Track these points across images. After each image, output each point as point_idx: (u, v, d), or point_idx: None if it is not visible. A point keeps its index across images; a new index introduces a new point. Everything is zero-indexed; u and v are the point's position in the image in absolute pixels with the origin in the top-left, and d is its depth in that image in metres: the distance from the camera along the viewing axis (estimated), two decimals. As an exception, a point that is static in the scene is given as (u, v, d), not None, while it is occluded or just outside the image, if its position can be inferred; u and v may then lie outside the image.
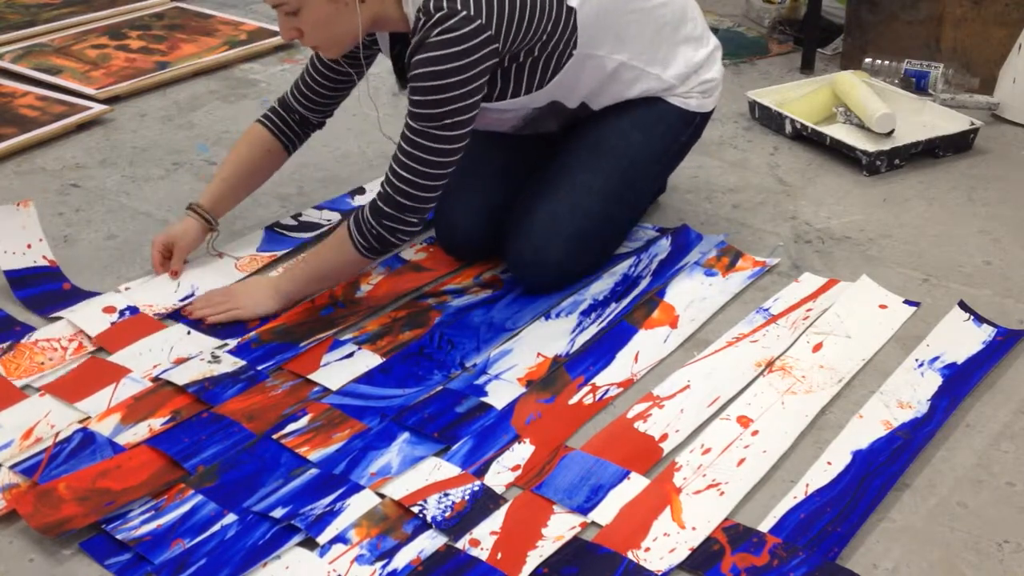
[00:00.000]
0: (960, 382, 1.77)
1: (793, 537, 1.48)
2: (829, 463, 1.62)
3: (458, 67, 1.75)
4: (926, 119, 2.65)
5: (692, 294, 2.02)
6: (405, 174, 1.81)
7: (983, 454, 1.65)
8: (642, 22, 1.98)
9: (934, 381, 1.78)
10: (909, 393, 1.76)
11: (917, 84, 2.83)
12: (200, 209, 2.08)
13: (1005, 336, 1.89)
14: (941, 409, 1.72)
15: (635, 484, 1.59)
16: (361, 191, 2.38)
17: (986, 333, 1.90)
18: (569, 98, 1.99)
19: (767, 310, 1.97)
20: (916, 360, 1.83)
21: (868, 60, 2.90)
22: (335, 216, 2.27)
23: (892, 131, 2.56)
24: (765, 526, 1.51)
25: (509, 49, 1.82)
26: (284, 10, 1.77)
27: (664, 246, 2.14)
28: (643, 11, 1.98)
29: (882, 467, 1.60)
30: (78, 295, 2.01)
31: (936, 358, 1.84)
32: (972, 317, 1.93)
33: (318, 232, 2.21)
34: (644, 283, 2.05)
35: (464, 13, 1.73)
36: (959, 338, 1.88)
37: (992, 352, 1.84)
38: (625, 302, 1.99)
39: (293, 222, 2.26)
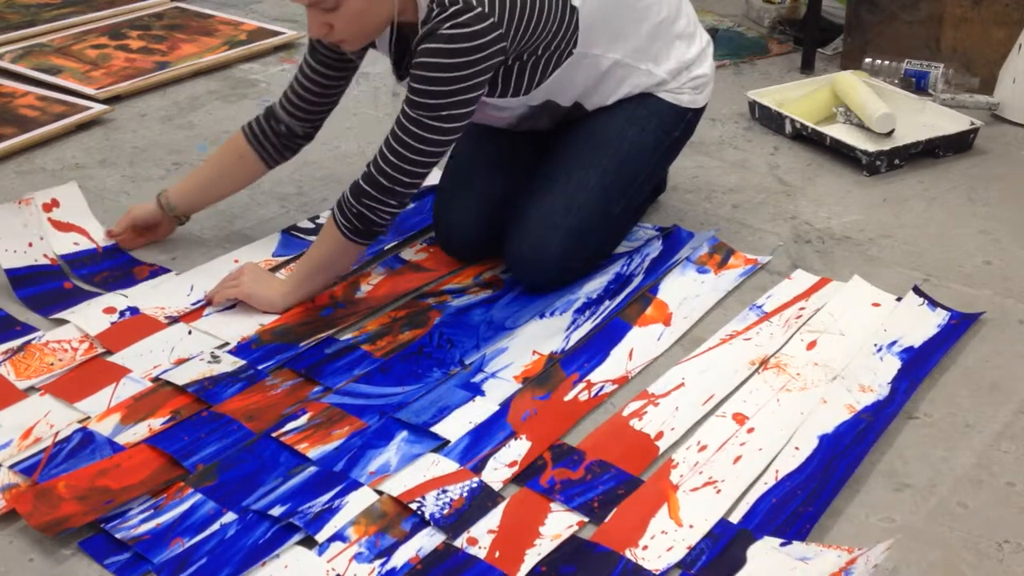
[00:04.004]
0: (918, 365, 1.81)
1: (765, 522, 1.51)
2: (797, 448, 1.64)
3: (465, 62, 1.75)
4: (926, 119, 2.65)
5: (685, 291, 2.02)
6: (393, 158, 1.81)
7: (983, 454, 1.65)
8: (638, 20, 1.99)
9: (893, 365, 1.81)
10: (870, 377, 1.78)
11: (917, 84, 2.83)
12: (161, 195, 2.13)
13: (959, 320, 1.92)
14: (901, 391, 1.75)
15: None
16: None
17: (940, 317, 1.93)
18: (563, 97, 2.00)
19: (760, 307, 1.98)
20: (875, 345, 1.86)
21: (868, 60, 2.90)
22: None
23: (892, 131, 2.56)
24: (738, 514, 1.53)
25: (515, 48, 1.82)
26: (323, 6, 1.76)
27: (656, 246, 2.15)
28: (639, 9, 1.99)
29: (848, 448, 1.63)
30: (80, 294, 2.01)
31: (894, 342, 1.87)
32: (926, 302, 1.97)
33: None
34: (637, 280, 2.05)
35: (479, 10, 1.73)
36: (915, 322, 1.92)
37: (947, 335, 1.88)
38: (619, 299, 2.00)
39: (310, 225, 2.24)
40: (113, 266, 2.10)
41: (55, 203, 2.17)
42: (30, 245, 2.08)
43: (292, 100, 2.06)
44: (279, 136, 2.08)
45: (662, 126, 2.09)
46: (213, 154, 2.16)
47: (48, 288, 2.02)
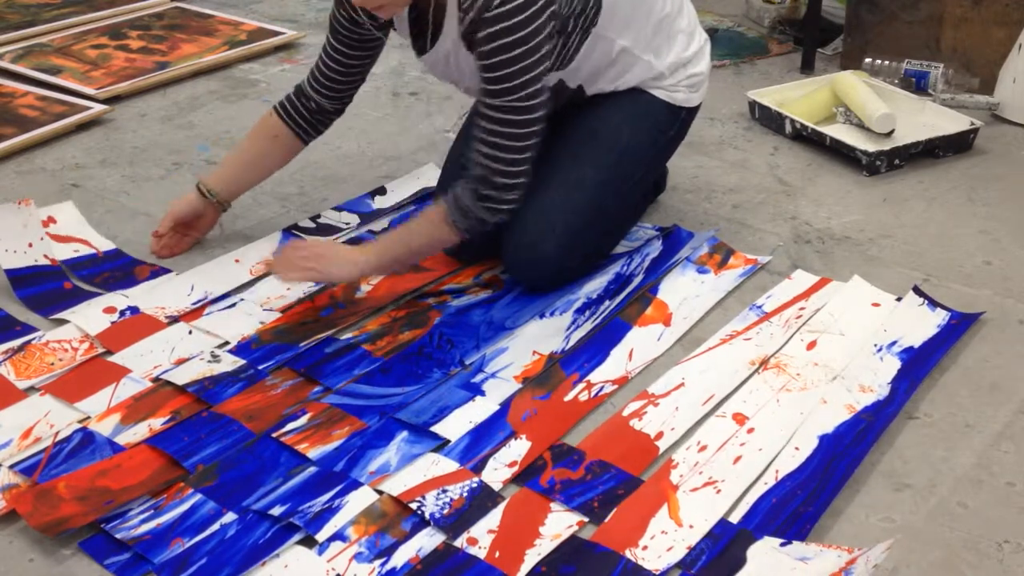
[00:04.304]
0: (918, 365, 1.82)
1: (765, 522, 1.51)
2: (797, 448, 1.64)
3: (527, 34, 1.75)
4: (926, 119, 2.65)
5: (685, 291, 2.03)
6: (498, 153, 1.80)
7: (983, 454, 1.65)
8: (647, 9, 2.02)
9: (893, 365, 1.82)
10: (870, 377, 1.79)
11: (917, 84, 2.83)
12: (200, 184, 2.13)
13: (959, 320, 1.93)
14: (902, 391, 1.75)
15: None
16: (382, 191, 2.37)
17: (940, 317, 1.94)
18: (572, 78, 2.01)
19: (760, 307, 1.98)
20: (875, 345, 1.86)
21: (868, 60, 2.90)
22: (354, 218, 2.26)
23: (892, 131, 2.56)
24: (738, 514, 1.53)
25: (561, 12, 1.83)
26: None
27: (656, 246, 2.15)
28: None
29: (848, 448, 1.63)
30: (80, 294, 2.01)
31: (894, 342, 1.87)
32: (926, 302, 1.97)
33: (336, 236, 2.20)
34: (637, 280, 2.05)
35: None
36: (915, 323, 1.92)
37: (947, 335, 1.89)
38: (619, 299, 2.00)
39: (311, 224, 2.24)
40: (114, 267, 2.10)
41: (51, 220, 2.17)
42: (30, 245, 2.08)
43: (319, 79, 2.06)
44: (311, 112, 2.09)
45: (657, 125, 2.09)
46: (245, 138, 2.17)
47: (48, 288, 2.02)
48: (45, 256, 2.08)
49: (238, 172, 2.15)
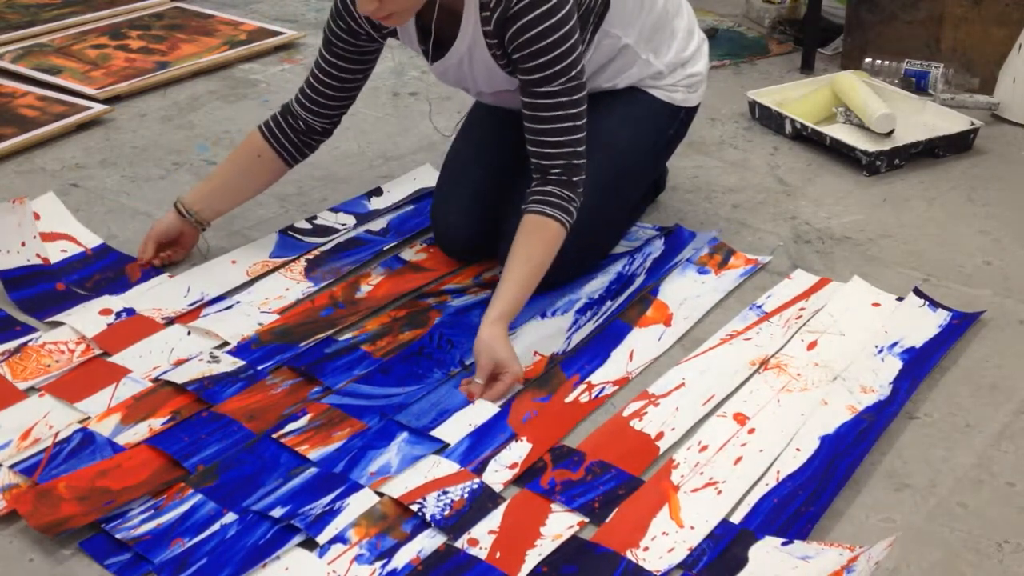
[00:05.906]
0: (919, 365, 1.82)
1: (767, 522, 1.51)
2: (798, 449, 1.64)
3: (558, 21, 1.76)
4: (926, 119, 2.65)
5: (685, 292, 2.03)
6: (570, 136, 1.81)
7: (983, 454, 1.65)
8: (648, 8, 2.02)
9: (894, 365, 1.82)
10: (871, 378, 1.79)
11: (917, 84, 2.83)
12: (179, 203, 2.09)
13: (960, 319, 1.93)
14: (903, 391, 1.76)
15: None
16: (378, 192, 2.36)
17: (941, 317, 1.94)
18: None
19: (760, 307, 1.98)
20: (876, 346, 1.86)
21: (868, 60, 2.90)
22: (350, 220, 2.25)
23: (892, 131, 2.56)
24: (739, 514, 1.53)
25: (582, 4, 1.85)
26: None
27: (658, 246, 2.15)
28: None
29: (849, 448, 1.64)
30: (73, 296, 2.00)
31: (895, 343, 1.87)
32: (927, 303, 1.97)
33: (333, 237, 2.20)
34: (639, 281, 2.05)
35: None
36: (916, 323, 1.92)
37: (948, 335, 1.89)
38: (620, 300, 2.00)
39: (307, 225, 2.23)
40: (104, 266, 2.09)
41: (36, 216, 2.15)
42: (23, 244, 2.06)
43: (309, 95, 2.03)
44: (297, 133, 2.05)
45: (656, 125, 2.10)
46: (229, 155, 2.14)
47: (41, 290, 2.01)
48: (38, 255, 2.07)
49: (217, 191, 2.10)
